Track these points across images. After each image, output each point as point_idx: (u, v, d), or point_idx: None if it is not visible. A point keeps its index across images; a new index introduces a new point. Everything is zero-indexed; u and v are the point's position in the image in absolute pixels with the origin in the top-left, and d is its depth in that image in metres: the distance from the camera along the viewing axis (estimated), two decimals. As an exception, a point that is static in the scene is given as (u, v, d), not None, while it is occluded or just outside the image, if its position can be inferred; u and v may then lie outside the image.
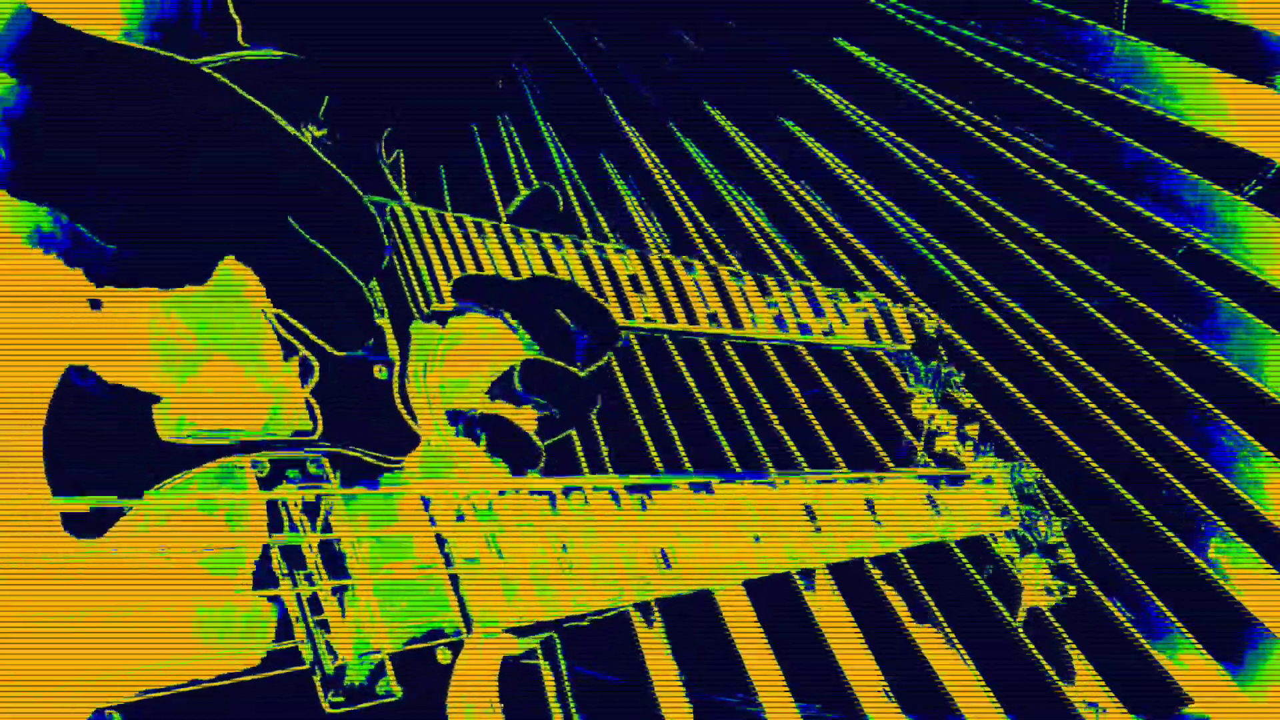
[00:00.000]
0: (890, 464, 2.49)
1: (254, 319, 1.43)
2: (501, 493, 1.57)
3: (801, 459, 2.50)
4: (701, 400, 2.61)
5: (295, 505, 1.35)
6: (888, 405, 2.60)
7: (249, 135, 1.41)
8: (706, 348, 2.69)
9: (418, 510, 1.47)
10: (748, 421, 2.59)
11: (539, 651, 2.05)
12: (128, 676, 1.14)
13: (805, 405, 2.61)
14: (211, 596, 1.24)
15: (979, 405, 2.60)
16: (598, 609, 1.60)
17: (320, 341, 1.45)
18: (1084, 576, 2.40)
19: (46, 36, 1.22)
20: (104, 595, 1.17)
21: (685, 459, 2.49)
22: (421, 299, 1.68)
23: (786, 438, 2.55)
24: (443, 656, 1.39)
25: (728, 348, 2.69)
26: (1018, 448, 2.57)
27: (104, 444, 1.27)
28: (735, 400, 2.64)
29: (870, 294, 2.60)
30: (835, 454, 2.50)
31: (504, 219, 1.92)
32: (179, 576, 1.23)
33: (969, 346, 2.72)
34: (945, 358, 2.64)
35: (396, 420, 1.55)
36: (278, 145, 1.43)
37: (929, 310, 2.71)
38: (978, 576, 2.35)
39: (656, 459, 2.44)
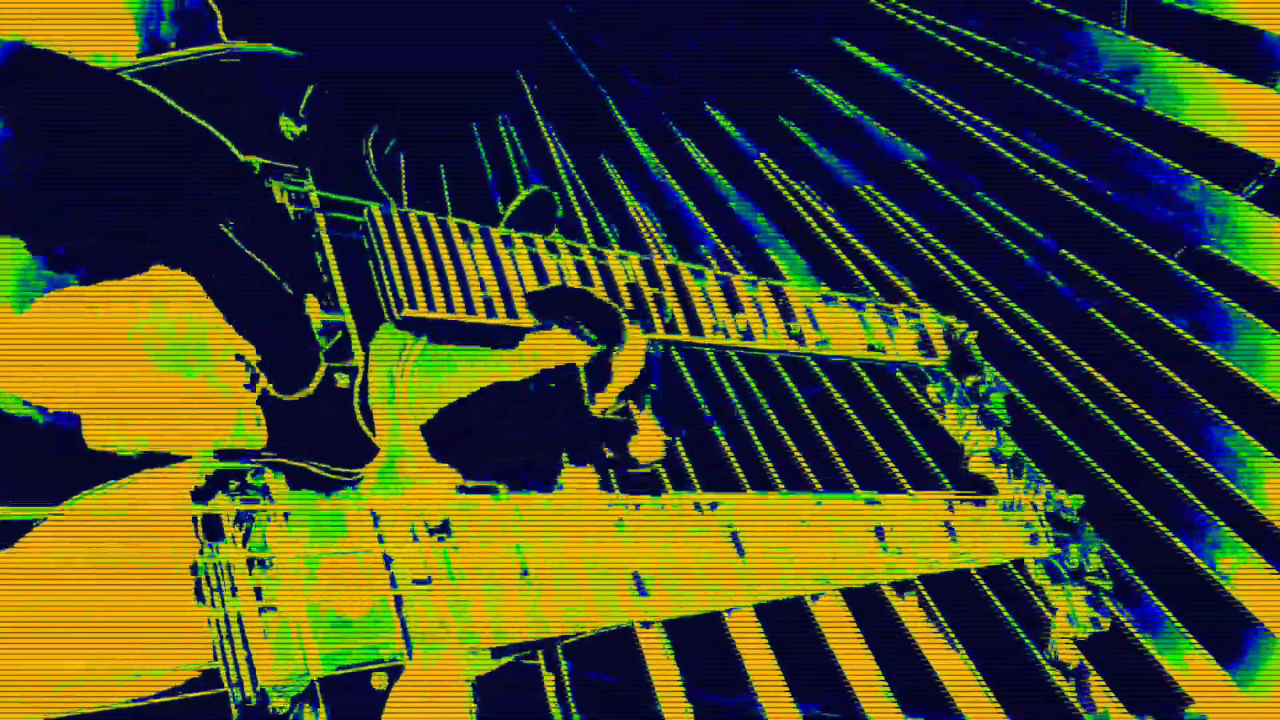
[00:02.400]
0: (909, 488, 2.42)
1: (200, 329, 1.37)
2: (459, 508, 1.46)
3: (814, 478, 2.47)
4: (708, 413, 2.60)
5: (228, 518, 1.27)
6: (902, 423, 2.57)
7: (192, 156, 1.41)
8: (711, 357, 2.68)
9: (366, 526, 1.37)
10: (756, 437, 2.57)
11: (539, 651, 2.04)
12: (27, 698, 1.06)
13: (811, 417, 2.59)
14: (126, 613, 1.16)
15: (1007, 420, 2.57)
16: (559, 635, 1.49)
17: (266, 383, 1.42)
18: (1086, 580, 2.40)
19: (24, 70, 1.23)
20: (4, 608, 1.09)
21: (694, 476, 2.47)
22: (394, 304, 1.59)
23: (798, 455, 2.53)
24: (378, 682, 1.31)
25: (733, 357, 2.67)
26: (1017, 449, 2.56)
27: (26, 451, 1.22)
28: (743, 415, 2.62)
29: (900, 305, 2.55)
30: (848, 473, 2.48)
31: (501, 222, 1.88)
32: (89, 592, 1.15)
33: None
34: (985, 374, 2.57)
35: (355, 430, 1.48)
36: (220, 168, 1.43)
37: (963, 324, 2.65)
38: (978, 578, 2.35)
39: (663, 474, 2.41)
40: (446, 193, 3.05)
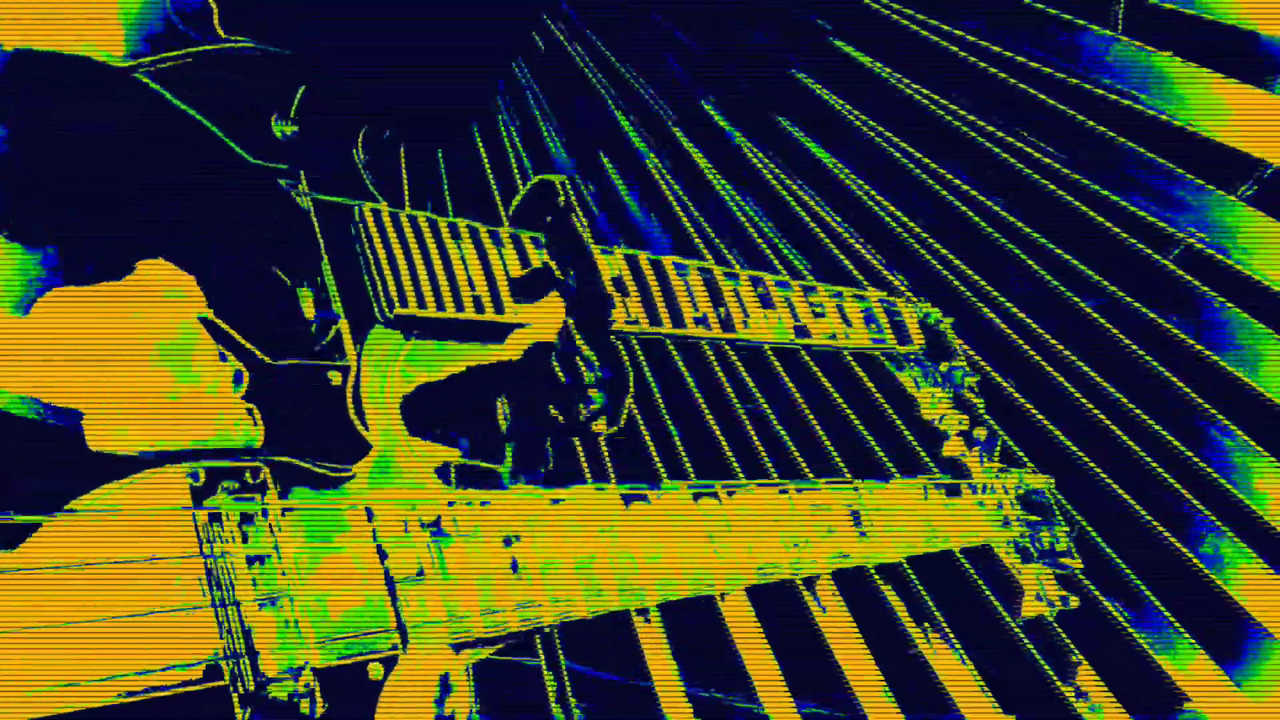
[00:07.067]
0: (894, 470, 2.46)
1: (191, 327, 1.39)
2: (451, 504, 1.50)
3: (803, 463, 2.48)
4: (702, 404, 2.60)
5: (228, 516, 1.29)
6: (889, 408, 2.59)
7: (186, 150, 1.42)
8: (707, 349, 2.69)
9: (361, 521, 1.41)
10: (749, 425, 2.58)
11: (539, 651, 2.04)
12: (33, 696, 1.07)
13: (807, 408, 2.60)
14: (131, 611, 1.17)
15: (979, 404, 2.60)
16: (546, 624, 1.54)
17: (255, 350, 1.42)
18: (1082, 578, 2.40)
19: (21, 71, 1.24)
20: (9, 609, 1.10)
21: (687, 465, 2.47)
22: (384, 302, 1.61)
23: (789, 442, 2.54)
24: (374, 672, 1.34)
25: (726, 349, 2.68)
26: (1016, 449, 2.57)
27: (28, 454, 1.23)
28: (736, 405, 2.62)
29: (877, 294, 2.58)
30: (839, 459, 2.49)
31: (505, 218, 1.89)
32: (95, 590, 1.16)
33: (966, 346, 2.73)
34: (959, 359, 2.61)
35: (348, 427, 1.50)
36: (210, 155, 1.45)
37: (937, 311, 2.68)
38: (976, 578, 2.35)
39: (658, 463, 2.42)
40: (446, 193, 3.05)
